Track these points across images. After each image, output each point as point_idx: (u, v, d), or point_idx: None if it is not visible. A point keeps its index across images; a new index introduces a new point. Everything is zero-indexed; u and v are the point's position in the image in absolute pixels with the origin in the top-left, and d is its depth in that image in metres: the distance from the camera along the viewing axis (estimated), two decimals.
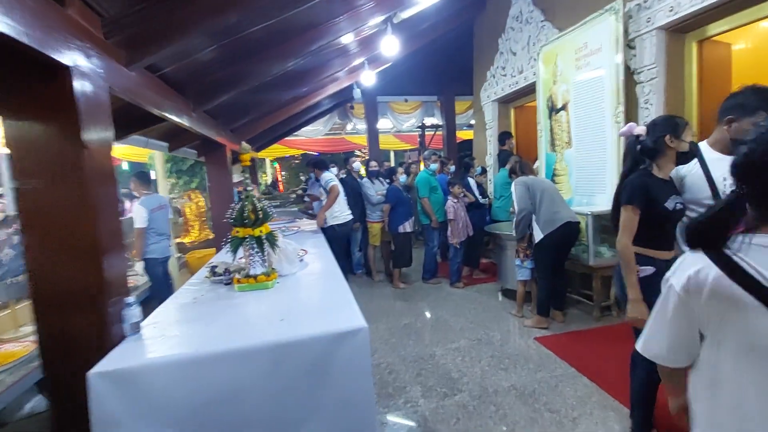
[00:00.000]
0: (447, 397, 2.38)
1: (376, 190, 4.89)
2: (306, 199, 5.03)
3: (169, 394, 1.32)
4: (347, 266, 4.86)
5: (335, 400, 1.40)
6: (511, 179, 3.57)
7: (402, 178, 4.78)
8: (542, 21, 4.53)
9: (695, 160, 1.72)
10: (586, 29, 3.58)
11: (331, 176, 4.22)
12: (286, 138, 10.10)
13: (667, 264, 1.71)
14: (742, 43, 3.62)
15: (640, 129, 1.62)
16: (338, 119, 8.82)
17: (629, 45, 3.31)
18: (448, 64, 7.53)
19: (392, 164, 10.96)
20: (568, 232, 3.16)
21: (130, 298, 1.56)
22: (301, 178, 11.37)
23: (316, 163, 4.50)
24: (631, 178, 1.59)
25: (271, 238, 2.15)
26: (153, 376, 1.33)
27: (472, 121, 9.21)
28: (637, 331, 1.75)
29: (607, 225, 3.56)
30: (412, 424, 2.19)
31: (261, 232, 2.07)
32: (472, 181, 4.93)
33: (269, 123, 5.52)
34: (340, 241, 4.23)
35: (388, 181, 4.89)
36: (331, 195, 4.11)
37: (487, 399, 2.33)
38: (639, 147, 1.62)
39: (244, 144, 1.96)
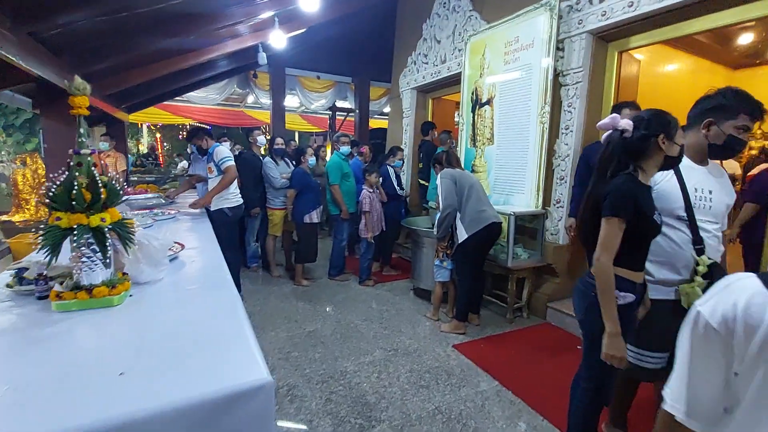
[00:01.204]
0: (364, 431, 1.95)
1: (280, 171, 4.20)
2: (186, 177, 4.11)
3: None
4: (240, 259, 4.08)
5: None
6: (435, 170, 3.27)
7: (311, 160, 4.17)
8: (470, 11, 4.34)
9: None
10: (518, 22, 3.44)
11: (227, 153, 3.38)
12: (169, 102, 8.54)
13: (643, 288, 1.46)
14: (647, 63, 3.88)
15: (625, 122, 1.37)
16: (237, 88, 7.67)
17: (557, 46, 3.25)
18: (366, 46, 7.06)
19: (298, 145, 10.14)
20: (492, 232, 2.98)
21: None
22: (188, 151, 9.81)
23: (202, 131, 3.56)
24: (616, 184, 1.31)
25: (123, 230, 1.43)
26: None
27: (386, 109, 8.93)
28: (591, 351, 1.55)
29: (524, 226, 3.51)
30: None
31: (103, 220, 1.34)
32: (390, 171, 4.56)
33: (143, 77, 4.38)
34: (231, 228, 3.47)
35: (294, 162, 4.23)
36: (226, 177, 3.30)
37: (411, 430, 1.96)
38: (624, 145, 1.36)
39: (78, 80, 1.20)
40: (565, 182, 3.27)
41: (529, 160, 3.39)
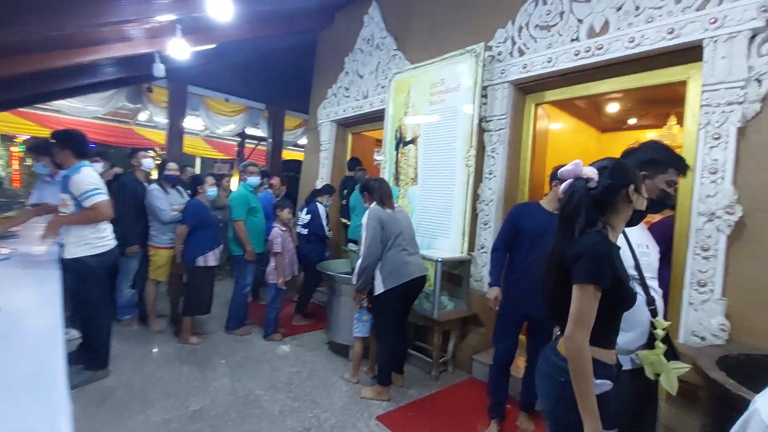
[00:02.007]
0: None
1: (170, 202, 3.48)
2: (29, 206, 3.19)
3: None
4: (111, 322, 2.84)
5: None
6: (364, 199, 2.85)
7: (210, 191, 3.51)
8: (395, 50, 4.30)
9: None
10: (444, 65, 3.42)
11: (92, 183, 2.42)
12: (32, 110, 7.07)
13: (618, 369, 1.19)
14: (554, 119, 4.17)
15: (589, 170, 1.19)
16: (127, 102, 6.61)
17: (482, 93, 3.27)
18: (284, 73, 6.69)
19: (198, 172, 9.09)
20: (414, 287, 2.68)
21: None
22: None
23: (64, 140, 2.48)
24: (590, 244, 1.10)
25: None
26: None
27: (301, 141, 8.54)
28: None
29: (449, 272, 3.33)
30: None
31: None
32: (321, 209, 4.11)
33: None
34: (96, 282, 2.54)
35: (189, 192, 3.55)
36: (89, 214, 2.40)
37: None
38: (590, 197, 1.17)
39: None
40: (489, 227, 3.20)
41: (454, 203, 3.27)
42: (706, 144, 2.20)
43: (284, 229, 3.62)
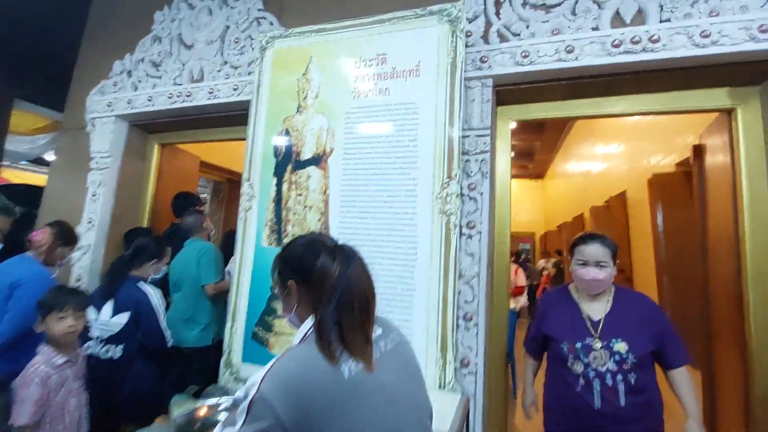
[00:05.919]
0: None
1: None
2: None
3: None
4: None
5: None
6: (279, 291, 0.90)
7: None
8: (260, 10, 2.54)
9: None
10: (386, 31, 1.91)
11: None
12: None
13: None
14: None
15: None
16: None
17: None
18: (18, 27, 3.69)
19: None
20: None
21: None
22: None
23: None
24: None
25: None
26: None
27: (50, 156, 5.19)
28: None
29: None
30: None
31: None
32: (152, 293, 1.99)
33: None
34: None
35: None
36: None
37: None
38: None
39: None
40: (476, 324, 1.76)
41: (418, 284, 1.69)
42: None
43: (61, 361, 1.31)
